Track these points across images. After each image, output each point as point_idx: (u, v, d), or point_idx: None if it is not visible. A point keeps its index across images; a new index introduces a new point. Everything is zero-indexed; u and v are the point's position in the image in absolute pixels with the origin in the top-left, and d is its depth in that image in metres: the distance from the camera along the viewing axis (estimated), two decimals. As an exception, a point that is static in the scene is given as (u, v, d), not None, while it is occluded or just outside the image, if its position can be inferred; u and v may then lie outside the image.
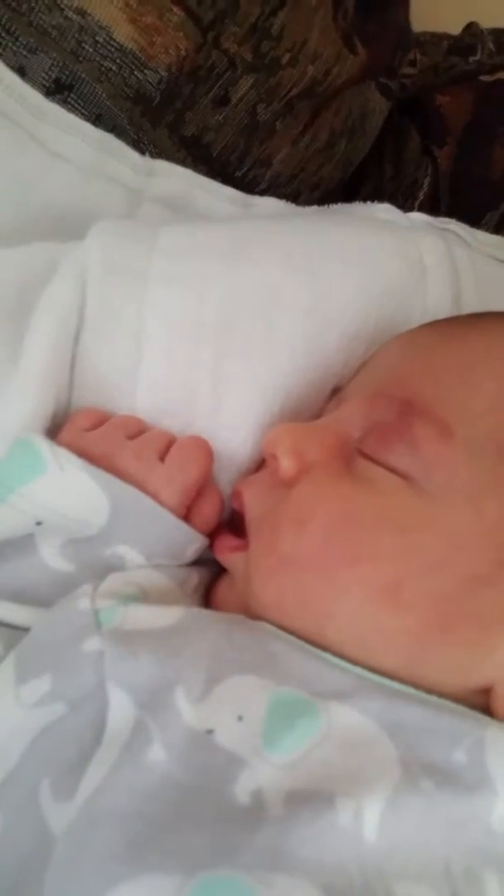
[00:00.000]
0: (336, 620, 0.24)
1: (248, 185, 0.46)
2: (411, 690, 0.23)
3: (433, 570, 0.24)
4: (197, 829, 0.18)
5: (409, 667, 0.24)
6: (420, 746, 0.21)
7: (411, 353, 0.30)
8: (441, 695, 0.23)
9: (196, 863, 0.17)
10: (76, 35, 0.36)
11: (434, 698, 0.23)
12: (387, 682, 0.23)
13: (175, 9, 0.38)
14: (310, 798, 0.19)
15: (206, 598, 0.30)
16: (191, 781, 0.20)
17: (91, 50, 0.37)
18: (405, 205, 0.53)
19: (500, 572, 0.23)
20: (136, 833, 0.18)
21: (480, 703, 0.23)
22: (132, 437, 0.29)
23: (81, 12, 0.36)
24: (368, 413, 0.28)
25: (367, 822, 0.19)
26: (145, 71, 0.38)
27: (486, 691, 0.24)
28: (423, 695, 0.23)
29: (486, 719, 0.22)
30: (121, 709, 0.21)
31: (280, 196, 0.46)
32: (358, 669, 0.24)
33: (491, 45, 0.58)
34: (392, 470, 0.26)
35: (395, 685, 0.23)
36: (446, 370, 0.27)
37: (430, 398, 0.26)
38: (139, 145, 0.41)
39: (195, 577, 0.29)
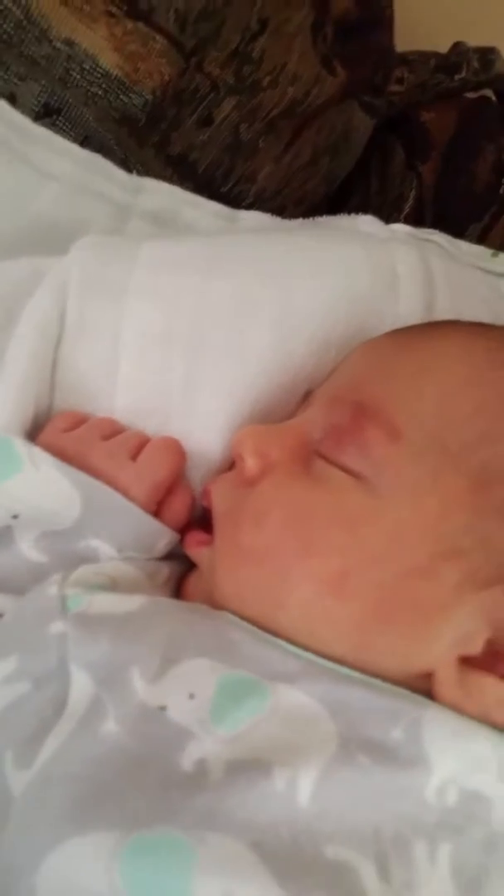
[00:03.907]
0: (288, 609, 0.26)
1: (234, 200, 0.48)
2: (356, 674, 0.24)
3: (376, 562, 0.25)
4: (141, 792, 0.20)
5: (354, 653, 0.25)
6: (360, 725, 0.22)
7: (369, 360, 0.31)
8: (386, 679, 0.24)
9: (136, 822, 0.19)
10: (64, 63, 0.39)
11: (377, 681, 0.24)
12: (334, 666, 0.25)
13: (158, 37, 0.40)
14: (249, 767, 0.21)
15: (178, 591, 0.32)
16: (140, 750, 0.21)
17: (78, 76, 0.39)
18: (391, 217, 0.55)
19: (437, 564, 0.25)
20: (85, 795, 0.20)
21: (423, 687, 0.25)
22: (107, 437, 0.31)
23: (69, 42, 0.38)
24: (327, 416, 0.29)
25: (301, 789, 0.20)
26: (130, 95, 0.40)
27: (429, 676, 0.25)
28: (366, 678, 0.24)
29: (426, 701, 0.24)
30: (81, 686, 0.23)
31: (266, 210, 0.48)
32: (308, 655, 0.25)
33: (476, 64, 0.60)
34: (345, 470, 0.27)
35: (342, 669, 0.24)
36: (398, 376, 0.29)
37: (381, 402, 0.28)
38: (126, 164, 0.43)
39: (166, 570, 0.31)
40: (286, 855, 0.19)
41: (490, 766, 0.22)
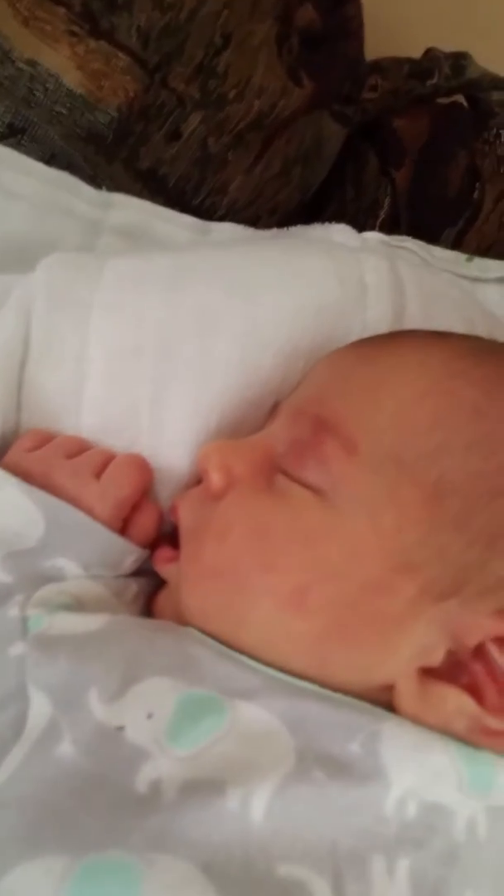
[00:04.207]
0: (249, 625, 0.26)
1: (206, 212, 0.48)
2: (315, 688, 0.24)
3: (335, 577, 0.25)
4: (93, 814, 0.20)
5: (316, 667, 0.25)
6: (318, 739, 0.22)
7: (331, 373, 0.31)
8: (347, 693, 0.24)
9: (87, 845, 0.19)
10: (27, 83, 0.39)
11: (337, 695, 0.24)
12: (293, 681, 0.25)
13: (121, 54, 0.40)
14: (203, 786, 0.21)
15: (149, 608, 0.32)
16: (94, 772, 0.21)
17: (42, 96, 0.39)
18: (367, 224, 0.55)
19: (394, 579, 0.25)
20: (38, 818, 0.20)
21: (385, 699, 0.25)
22: (72, 455, 0.31)
23: (32, 63, 0.39)
24: (290, 430, 0.29)
25: (255, 807, 0.20)
26: (95, 112, 0.41)
27: (390, 688, 0.25)
28: (325, 692, 0.24)
29: (385, 714, 0.24)
30: (40, 708, 0.23)
31: (239, 221, 0.48)
32: (268, 670, 0.25)
33: (447, 70, 0.60)
34: (306, 485, 0.27)
35: (301, 683, 0.24)
36: (357, 389, 0.29)
37: (341, 415, 0.28)
38: (95, 180, 0.43)
39: (134, 588, 0.31)
40: (237, 875, 0.19)
41: (449, 777, 0.22)
